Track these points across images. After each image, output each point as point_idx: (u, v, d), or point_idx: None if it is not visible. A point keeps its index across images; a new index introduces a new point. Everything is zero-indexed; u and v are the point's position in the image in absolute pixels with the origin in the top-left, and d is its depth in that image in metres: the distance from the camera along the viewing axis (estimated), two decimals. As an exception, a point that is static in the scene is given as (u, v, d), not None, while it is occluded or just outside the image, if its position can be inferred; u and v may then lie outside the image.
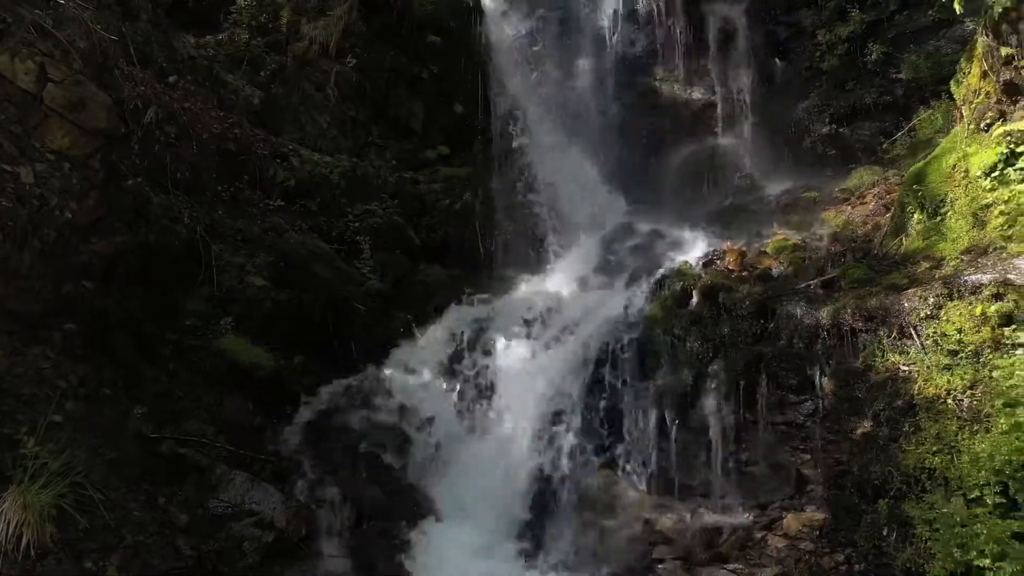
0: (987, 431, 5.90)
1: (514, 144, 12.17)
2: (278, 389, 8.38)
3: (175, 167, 9.09)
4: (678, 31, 12.99)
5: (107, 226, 7.83)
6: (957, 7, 6.39)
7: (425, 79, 12.21)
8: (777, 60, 12.61)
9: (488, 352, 9.17)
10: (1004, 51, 7.38)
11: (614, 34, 13.09)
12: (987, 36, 7.62)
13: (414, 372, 9.10)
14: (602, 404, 8.11)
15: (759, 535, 6.96)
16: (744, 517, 7.13)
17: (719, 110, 12.55)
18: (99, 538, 5.94)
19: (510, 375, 8.86)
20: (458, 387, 8.94)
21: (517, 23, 13.15)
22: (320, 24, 11.81)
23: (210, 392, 7.91)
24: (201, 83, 10.29)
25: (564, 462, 7.89)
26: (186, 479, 6.91)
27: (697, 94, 12.76)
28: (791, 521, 6.83)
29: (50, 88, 7.02)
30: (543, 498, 7.73)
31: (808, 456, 7.19)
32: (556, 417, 8.18)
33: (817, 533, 6.65)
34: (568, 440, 8.02)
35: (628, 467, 7.72)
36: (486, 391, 8.86)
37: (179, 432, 7.24)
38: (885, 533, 6.10)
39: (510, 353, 9.10)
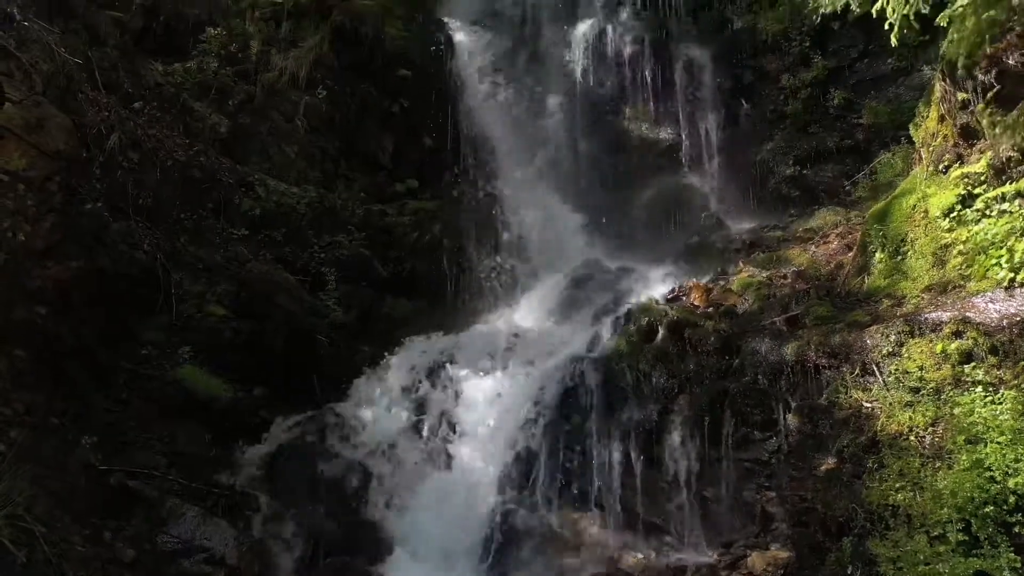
0: (949, 468, 5.90)
1: (483, 179, 12.19)
2: (236, 421, 8.17)
3: (137, 193, 8.93)
4: (646, 73, 13.20)
5: (63, 251, 7.64)
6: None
7: (395, 113, 12.24)
8: (743, 102, 12.85)
9: (452, 386, 9.05)
10: (960, 96, 7.57)
11: (583, 74, 13.26)
12: (944, 81, 7.82)
13: (376, 405, 8.92)
14: (566, 439, 7.99)
15: (724, 574, 6.85)
16: (709, 555, 7.02)
17: (686, 150, 12.71)
18: (38, 573, 5.65)
19: (474, 409, 8.73)
20: (421, 421, 8.78)
21: (488, 60, 13.27)
22: (291, 55, 11.81)
23: (164, 423, 7.69)
24: (167, 110, 10.19)
25: (527, 498, 7.74)
26: (135, 513, 6.66)
27: (664, 134, 12.93)
28: (756, 560, 6.73)
29: (8, 108, 6.90)
30: (506, 535, 7.55)
31: (773, 493, 7.12)
32: (520, 452, 8.04)
33: (782, 572, 6.55)
34: (531, 476, 7.89)
35: (592, 503, 7.59)
36: (449, 425, 8.72)
37: (129, 463, 7.00)
38: (850, 571, 6.02)
39: (474, 387, 8.98)
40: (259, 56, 11.81)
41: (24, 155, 7.00)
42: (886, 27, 6.49)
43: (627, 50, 13.33)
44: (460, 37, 13.24)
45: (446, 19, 13.54)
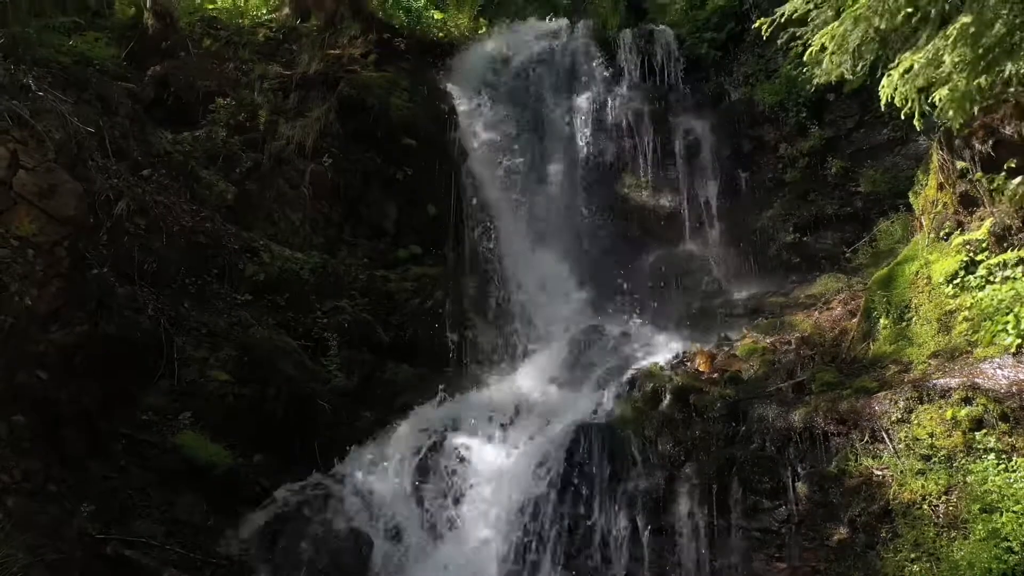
0: (965, 538, 5.79)
1: (485, 245, 12.28)
2: (235, 488, 8.02)
3: (143, 258, 9.03)
4: (646, 142, 13.43)
5: (68, 315, 7.64)
6: (917, 123, 6.63)
7: (399, 180, 12.41)
8: (741, 171, 13.04)
9: (455, 454, 8.91)
10: (959, 165, 7.70)
11: (584, 143, 13.49)
12: (942, 151, 7.97)
13: (379, 474, 8.78)
14: (571, 508, 7.84)
15: (735, 650, 6.65)
16: (719, 631, 6.84)
17: (686, 217, 12.84)
18: (30, 648, 5.49)
19: (478, 477, 8.59)
20: (424, 490, 8.63)
21: (491, 129, 13.53)
22: (298, 124, 12.03)
23: (163, 491, 7.55)
24: (175, 177, 10.36)
25: (532, 569, 7.56)
26: (131, 584, 6.49)
27: (665, 201, 13.07)
28: (769, 635, 6.56)
29: (21, 175, 7.00)
30: (510, 608, 7.36)
31: (784, 564, 6.95)
32: (525, 521, 7.88)
33: (796, 648, 6.38)
34: (536, 546, 7.71)
35: (599, 574, 7.40)
36: (453, 494, 8.56)
37: (126, 532, 6.85)
38: (866, 647, 5.86)
39: (478, 455, 8.85)
40: (267, 125, 12.03)
41: (34, 221, 7.07)
42: (885, 102, 6.63)
43: (627, 120, 13.60)
44: (464, 107, 13.53)
45: (450, 89, 13.85)
